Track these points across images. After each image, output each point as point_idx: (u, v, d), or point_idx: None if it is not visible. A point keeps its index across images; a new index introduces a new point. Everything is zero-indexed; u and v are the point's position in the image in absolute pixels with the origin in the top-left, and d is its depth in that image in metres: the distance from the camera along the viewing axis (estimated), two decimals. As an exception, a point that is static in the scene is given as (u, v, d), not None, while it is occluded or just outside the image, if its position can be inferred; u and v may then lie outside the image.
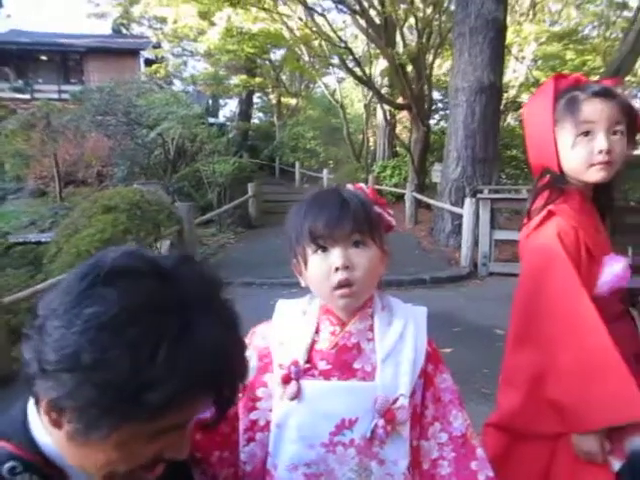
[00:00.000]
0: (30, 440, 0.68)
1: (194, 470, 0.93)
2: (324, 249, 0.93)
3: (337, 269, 0.91)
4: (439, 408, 0.98)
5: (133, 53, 20.96)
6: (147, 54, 20.34)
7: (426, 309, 1.03)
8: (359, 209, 0.94)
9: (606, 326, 1.15)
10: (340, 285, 0.92)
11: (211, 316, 0.64)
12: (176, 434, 0.66)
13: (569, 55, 16.01)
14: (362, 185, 1.07)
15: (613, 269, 1.24)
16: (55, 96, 17.61)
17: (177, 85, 18.27)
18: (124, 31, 24.15)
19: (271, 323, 1.04)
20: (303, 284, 1.00)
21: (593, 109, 1.20)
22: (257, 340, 1.03)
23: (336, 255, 0.92)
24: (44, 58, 21.37)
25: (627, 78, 13.33)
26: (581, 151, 1.21)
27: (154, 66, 17.41)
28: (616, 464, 1.14)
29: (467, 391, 2.73)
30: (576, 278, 1.16)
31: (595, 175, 1.23)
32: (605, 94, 1.22)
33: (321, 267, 0.93)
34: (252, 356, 0.98)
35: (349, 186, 1.04)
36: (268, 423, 0.97)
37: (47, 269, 5.19)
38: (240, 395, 0.95)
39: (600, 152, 1.20)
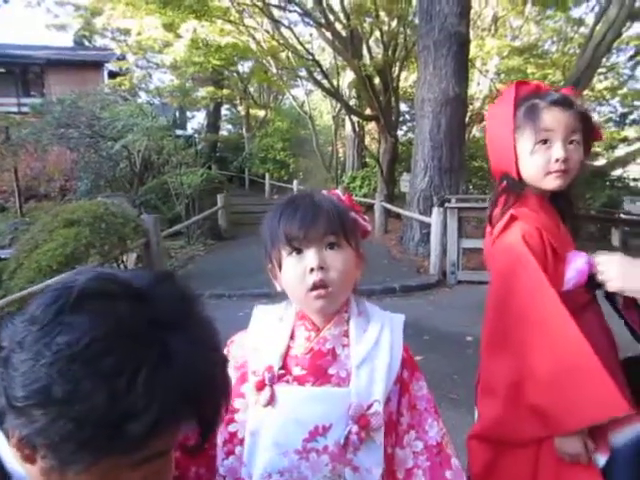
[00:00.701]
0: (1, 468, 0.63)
1: None
2: (299, 251, 0.94)
3: (312, 270, 0.92)
4: (415, 416, 0.98)
5: (96, 65, 20.56)
6: (111, 66, 20.00)
7: (403, 316, 1.03)
8: (332, 211, 0.95)
9: (576, 318, 1.16)
10: (315, 286, 0.92)
11: (190, 336, 0.60)
12: (160, 460, 0.62)
13: (530, 69, 16.56)
14: (337, 191, 1.08)
15: (577, 265, 1.26)
16: (14, 109, 17.10)
17: (142, 97, 17.97)
18: (86, 43, 23.71)
19: (248, 330, 1.03)
20: (279, 288, 1.00)
21: (552, 118, 1.23)
22: (235, 350, 1.02)
23: (311, 256, 0.93)
24: (2, 70, 20.69)
25: (585, 92, 13.88)
26: (539, 159, 1.24)
27: (118, 78, 17.13)
28: (601, 460, 1.14)
29: (436, 397, 2.72)
30: (544, 280, 1.18)
31: (552, 183, 1.26)
32: (564, 103, 1.25)
33: (296, 269, 0.94)
34: (230, 366, 0.96)
35: (324, 192, 1.05)
36: None
37: (7, 285, 4.98)
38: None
39: (557, 161, 1.23)
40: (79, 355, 0.53)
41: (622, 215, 9.53)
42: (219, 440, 0.96)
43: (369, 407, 0.91)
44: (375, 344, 0.96)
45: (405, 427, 0.97)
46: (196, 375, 0.59)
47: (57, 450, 0.55)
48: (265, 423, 0.92)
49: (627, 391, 1.19)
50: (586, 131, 1.27)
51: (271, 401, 0.92)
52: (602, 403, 1.08)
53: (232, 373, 0.97)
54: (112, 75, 19.63)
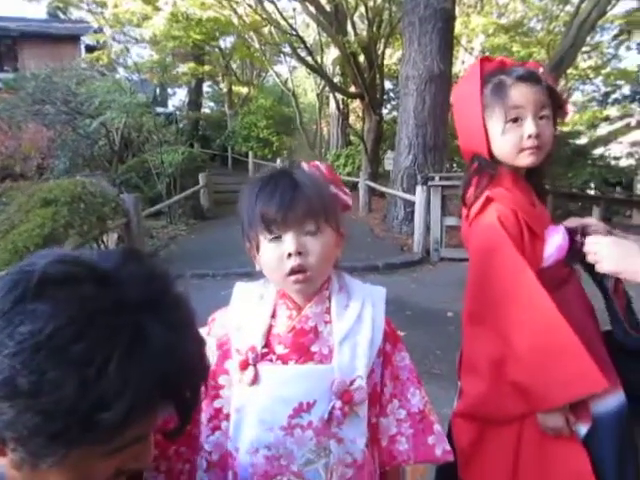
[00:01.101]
0: None
1: (146, 472, 0.90)
2: (277, 235, 0.91)
3: (290, 255, 0.90)
4: (397, 385, 1.00)
5: (72, 39, 19.80)
6: (88, 40, 19.34)
7: (385, 289, 1.03)
8: (313, 194, 0.91)
9: (556, 293, 1.18)
10: (293, 271, 0.91)
11: (162, 317, 0.57)
12: (138, 445, 0.60)
13: (515, 47, 16.49)
14: (318, 163, 1.04)
15: (555, 241, 1.26)
16: (-14, 85, 16.56)
17: (121, 73, 17.46)
18: (62, 16, 22.86)
19: (229, 308, 1.02)
20: (258, 267, 0.98)
21: (520, 94, 1.21)
22: (216, 328, 1.01)
23: (289, 241, 0.90)
24: (-29, 44, 19.88)
25: (569, 71, 13.89)
26: (511, 137, 1.22)
27: (96, 53, 16.61)
28: (582, 429, 1.16)
29: (419, 372, 2.75)
30: (521, 260, 1.18)
31: (525, 160, 1.24)
32: (530, 78, 1.23)
33: (274, 254, 0.92)
34: (212, 344, 0.97)
35: (304, 165, 1.01)
36: None
37: (-19, 268, 4.86)
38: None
39: (529, 137, 1.21)
40: (43, 345, 0.50)
41: (600, 193, 9.66)
42: (204, 417, 0.96)
43: (352, 382, 0.92)
44: (357, 319, 0.96)
45: (388, 397, 0.99)
46: (172, 358, 0.56)
47: (26, 444, 0.52)
48: (250, 401, 0.93)
49: (608, 362, 1.21)
50: (554, 106, 1.26)
51: (255, 380, 0.92)
52: (581, 380, 1.10)
53: (214, 351, 0.97)
54: (89, 49, 18.99)
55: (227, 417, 0.96)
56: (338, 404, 0.90)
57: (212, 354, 0.96)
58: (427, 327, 4.09)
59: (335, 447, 0.91)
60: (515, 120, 1.21)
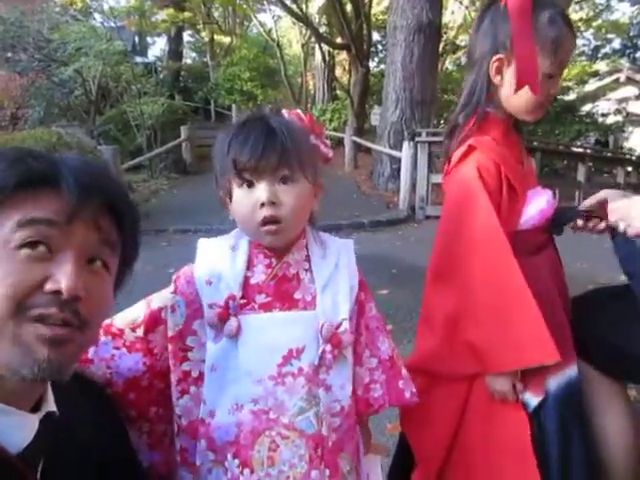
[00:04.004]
0: None
1: (130, 431, 0.91)
2: (250, 183, 0.88)
3: (262, 205, 0.87)
4: (368, 335, 1.02)
5: (44, -20, 18.71)
6: (61, -18, 18.25)
7: (352, 241, 1.05)
8: (288, 141, 0.87)
9: (528, 260, 1.16)
10: (265, 222, 0.88)
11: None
12: (51, 249, 0.61)
13: (506, -3, 15.98)
14: (299, 111, 1.00)
15: (538, 204, 1.21)
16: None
17: (97, 19, 16.60)
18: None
19: (195, 264, 0.97)
20: (230, 217, 0.96)
21: (568, 50, 1.16)
22: (182, 286, 0.95)
23: (261, 190, 0.87)
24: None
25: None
26: (544, 90, 1.15)
27: (69, -5, 15.70)
28: (533, 400, 1.16)
29: (402, 329, 2.78)
30: (494, 217, 1.12)
31: (537, 115, 1.21)
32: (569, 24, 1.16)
33: (246, 202, 0.89)
34: (180, 303, 0.93)
35: (284, 112, 0.98)
36: (201, 375, 0.92)
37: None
38: (170, 347, 0.92)
39: (552, 95, 1.19)
40: None
41: (588, 150, 9.64)
42: (173, 378, 0.92)
43: (338, 326, 0.92)
44: (335, 268, 0.97)
45: (363, 346, 1.01)
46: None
47: None
48: (230, 355, 0.89)
49: (568, 338, 1.20)
50: None
51: (238, 331, 0.89)
52: (534, 349, 1.09)
53: (183, 310, 0.93)
54: (62, -7, 17.94)
55: (195, 381, 0.92)
56: (328, 347, 0.91)
57: (181, 314, 0.93)
58: (412, 285, 4.08)
59: (324, 395, 0.91)
60: (551, 76, 1.15)
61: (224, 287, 0.92)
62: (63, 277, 0.59)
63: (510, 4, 1.14)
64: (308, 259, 0.97)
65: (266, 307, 0.92)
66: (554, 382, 1.16)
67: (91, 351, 0.90)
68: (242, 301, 0.91)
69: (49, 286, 0.59)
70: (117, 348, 0.93)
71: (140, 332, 0.94)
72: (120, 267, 0.72)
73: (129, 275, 0.76)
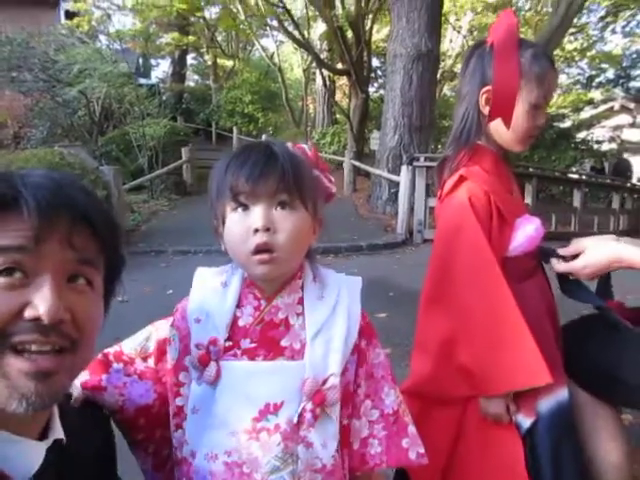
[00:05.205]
0: None
1: (137, 452, 0.94)
2: (245, 207, 0.82)
3: (256, 230, 0.80)
4: (371, 384, 0.92)
5: (51, 4, 19.08)
6: (68, 6, 18.62)
7: (361, 279, 0.95)
8: (288, 165, 0.82)
9: (518, 284, 1.19)
10: (258, 250, 0.80)
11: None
12: (31, 277, 0.59)
13: (503, 27, 16.32)
14: (304, 146, 0.95)
15: (526, 231, 1.24)
16: (-40, 49, 15.84)
17: (102, 41, 16.89)
18: (40, -22, 21.89)
19: (189, 298, 0.92)
20: (223, 248, 0.88)
21: (553, 83, 1.22)
22: (178, 320, 0.91)
23: (257, 214, 0.80)
24: (-54, 4, 18.96)
25: (555, 52, 13.84)
26: (529, 121, 1.21)
27: (76, 19, 16.01)
28: (525, 422, 1.18)
29: (400, 353, 2.78)
30: (485, 244, 1.16)
31: (525, 145, 1.26)
32: (551, 61, 1.23)
33: (239, 227, 0.82)
34: (175, 337, 0.90)
35: (288, 145, 0.92)
36: None
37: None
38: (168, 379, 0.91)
39: (538, 127, 1.24)
40: None
41: (584, 177, 9.75)
42: (170, 411, 0.91)
43: (325, 381, 0.84)
44: (332, 312, 0.88)
45: (362, 397, 0.92)
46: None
47: None
48: (210, 401, 0.84)
49: (558, 361, 1.22)
50: None
51: (217, 377, 0.83)
52: (526, 371, 1.11)
53: (177, 345, 0.90)
54: (69, 16, 18.29)
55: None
56: (309, 406, 0.82)
57: (175, 349, 0.90)
58: (409, 308, 4.06)
59: (303, 452, 0.83)
60: (537, 108, 1.21)
61: (211, 327, 0.86)
62: (41, 302, 0.57)
63: (497, 42, 1.21)
64: (302, 302, 0.88)
65: (250, 354, 0.85)
66: (545, 404, 1.18)
67: (104, 378, 0.91)
68: (227, 344, 0.85)
69: (28, 313, 0.57)
70: (128, 375, 0.93)
71: (151, 362, 0.95)
72: (107, 277, 0.69)
73: (118, 285, 0.73)
